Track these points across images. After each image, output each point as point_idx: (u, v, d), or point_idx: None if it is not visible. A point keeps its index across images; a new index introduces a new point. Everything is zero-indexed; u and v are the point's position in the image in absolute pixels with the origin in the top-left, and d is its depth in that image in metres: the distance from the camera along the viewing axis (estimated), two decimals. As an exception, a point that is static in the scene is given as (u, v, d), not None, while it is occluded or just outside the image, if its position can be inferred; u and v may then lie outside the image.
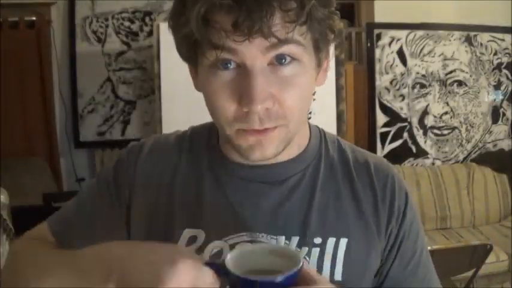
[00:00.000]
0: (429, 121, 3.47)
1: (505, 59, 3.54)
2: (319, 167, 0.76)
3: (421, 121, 3.46)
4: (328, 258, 0.71)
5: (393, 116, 3.41)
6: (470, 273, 2.19)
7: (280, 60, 0.62)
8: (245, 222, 0.72)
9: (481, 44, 3.49)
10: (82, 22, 3.27)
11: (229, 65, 0.62)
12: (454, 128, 3.52)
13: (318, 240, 0.71)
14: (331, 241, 0.72)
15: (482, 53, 3.50)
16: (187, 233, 0.72)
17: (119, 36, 3.32)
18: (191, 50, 0.65)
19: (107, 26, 3.30)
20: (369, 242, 0.73)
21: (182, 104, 2.28)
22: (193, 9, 0.59)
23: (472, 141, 3.56)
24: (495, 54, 3.52)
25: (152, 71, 2.74)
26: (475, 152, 3.57)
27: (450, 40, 3.44)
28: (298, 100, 0.64)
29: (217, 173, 0.75)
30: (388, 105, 3.39)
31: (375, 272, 0.75)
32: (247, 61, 0.61)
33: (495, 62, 3.53)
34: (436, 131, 3.49)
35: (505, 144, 3.62)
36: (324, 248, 0.71)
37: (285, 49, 0.61)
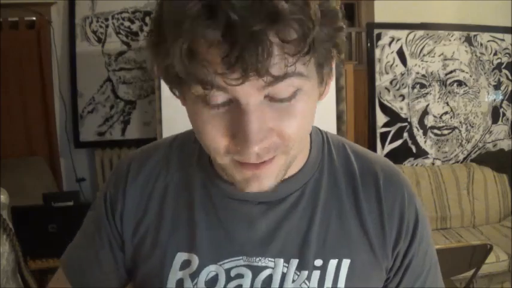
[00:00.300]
0: (429, 121, 3.47)
1: (505, 59, 3.54)
2: (321, 180, 0.70)
3: (421, 121, 3.45)
4: (329, 280, 0.66)
5: (393, 116, 3.41)
6: (470, 273, 2.18)
7: (278, 93, 0.54)
8: (241, 245, 0.67)
9: (481, 44, 3.49)
10: (82, 22, 3.27)
11: (219, 99, 0.54)
12: (454, 128, 3.51)
13: (318, 262, 0.67)
14: (333, 263, 0.67)
15: (482, 53, 3.50)
16: (179, 257, 0.69)
17: (119, 36, 3.32)
18: (174, 81, 0.56)
19: (107, 26, 3.30)
20: (372, 262, 0.69)
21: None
22: (175, 43, 0.50)
23: (472, 141, 3.56)
24: (495, 54, 3.52)
25: (152, 71, 2.74)
26: (475, 152, 3.57)
27: (450, 40, 3.43)
28: (299, 128, 0.57)
29: (210, 193, 0.69)
30: (388, 105, 3.39)
31: None
32: (240, 98, 0.53)
33: (495, 62, 3.53)
34: (436, 131, 3.49)
35: (505, 144, 3.62)
36: (325, 270, 0.66)
37: (284, 83, 0.52)
